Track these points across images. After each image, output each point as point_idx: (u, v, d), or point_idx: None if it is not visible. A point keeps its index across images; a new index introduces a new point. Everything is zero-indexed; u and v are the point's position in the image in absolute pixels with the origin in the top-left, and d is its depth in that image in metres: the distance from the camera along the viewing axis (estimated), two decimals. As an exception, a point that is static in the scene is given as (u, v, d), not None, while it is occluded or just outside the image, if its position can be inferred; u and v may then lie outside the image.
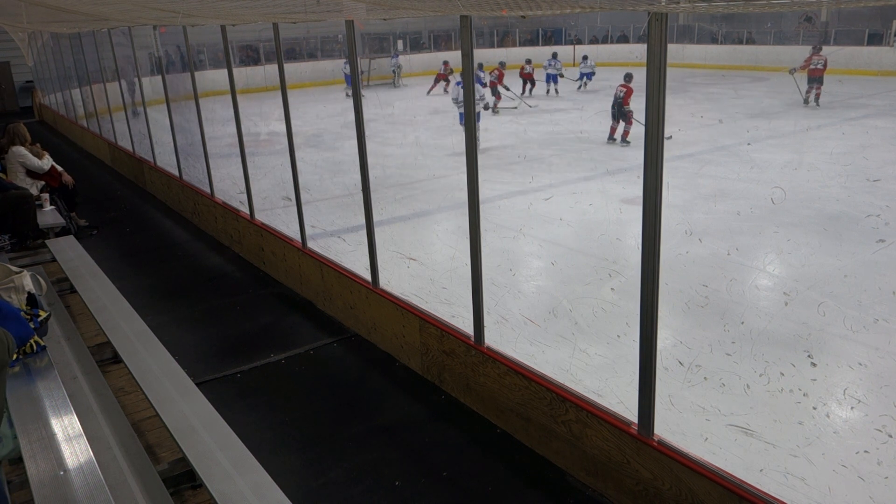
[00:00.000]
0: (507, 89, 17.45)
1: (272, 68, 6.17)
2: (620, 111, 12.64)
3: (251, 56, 25.25)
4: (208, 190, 8.18)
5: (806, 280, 6.03)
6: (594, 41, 33.88)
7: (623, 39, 32.45)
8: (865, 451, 3.68)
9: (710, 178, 9.83)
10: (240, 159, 7.08)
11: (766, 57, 25.70)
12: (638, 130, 10.90)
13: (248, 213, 7.17)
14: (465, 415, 4.33)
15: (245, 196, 7.18)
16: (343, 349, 5.32)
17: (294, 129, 6.10)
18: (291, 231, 6.47)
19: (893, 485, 3.40)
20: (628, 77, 12.81)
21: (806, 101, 16.56)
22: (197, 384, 3.92)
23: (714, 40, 29.80)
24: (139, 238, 8.57)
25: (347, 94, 22.20)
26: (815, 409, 4.12)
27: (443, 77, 22.12)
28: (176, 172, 9.30)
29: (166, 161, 9.89)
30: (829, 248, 6.75)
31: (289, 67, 6.39)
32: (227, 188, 8.31)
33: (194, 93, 8.10)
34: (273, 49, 6.08)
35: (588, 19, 33.49)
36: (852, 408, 4.14)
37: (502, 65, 18.57)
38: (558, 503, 3.56)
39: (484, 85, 15.63)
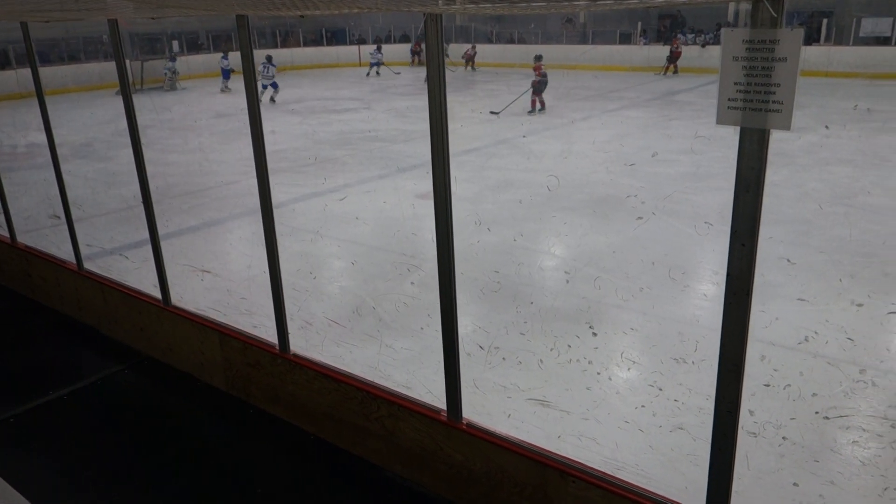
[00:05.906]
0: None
1: (27, 72, 5.54)
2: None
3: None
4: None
5: (582, 258, 6.65)
6: (378, 41, 34.39)
7: (405, 39, 33.28)
8: (643, 406, 4.15)
9: (494, 170, 10.43)
10: (-8, 176, 6.27)
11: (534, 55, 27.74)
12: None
13: (8, 236, 6.37)
14: (277, 426, 4.22)
15: (2, 217, 6.37)
16: (136, 375, 4.93)
17: (59, 139, 5.54)
18: (64, 252, 5.86)
19: (667, 432, 3.87)
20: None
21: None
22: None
23: (489, 40, 31.63)
24: None
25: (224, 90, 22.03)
26: (599, 374, 4.56)
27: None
28: None
29: None
30: (599, 228, 7.49)
31: (47, 71, 5.77)
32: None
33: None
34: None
35: (370, 19, 33.91)
36: (629, 368, 4.64)
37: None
38: (377, 501, 3.60)
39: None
